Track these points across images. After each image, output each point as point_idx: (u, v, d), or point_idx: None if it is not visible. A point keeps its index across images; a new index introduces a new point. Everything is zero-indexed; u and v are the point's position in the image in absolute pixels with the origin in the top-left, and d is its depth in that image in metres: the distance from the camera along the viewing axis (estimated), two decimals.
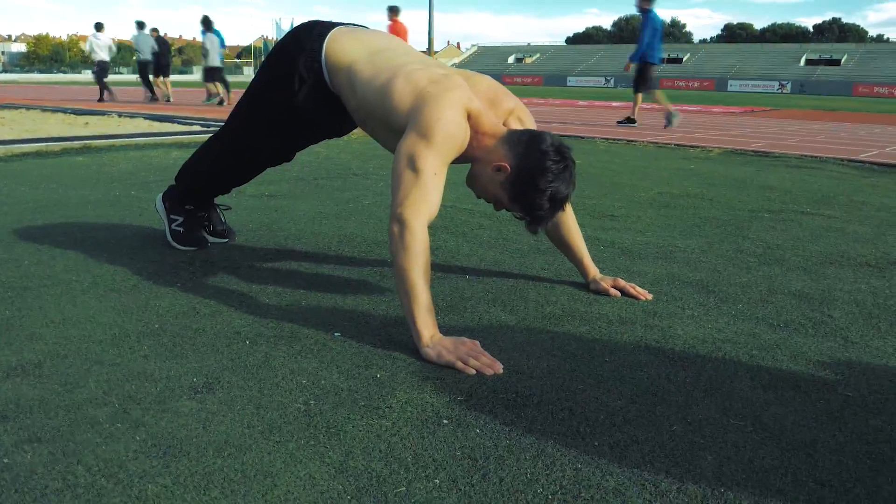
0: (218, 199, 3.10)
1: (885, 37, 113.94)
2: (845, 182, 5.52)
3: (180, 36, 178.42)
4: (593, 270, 2.55)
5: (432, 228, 3.09)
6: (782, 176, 5.76)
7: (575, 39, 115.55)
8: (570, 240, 2.55)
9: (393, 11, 13.18)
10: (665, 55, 72.42)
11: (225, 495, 1.25)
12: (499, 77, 68.03)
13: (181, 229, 2.90)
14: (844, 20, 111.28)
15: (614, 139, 8.63)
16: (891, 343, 2.09)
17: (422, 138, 2.02)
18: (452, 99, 2.07)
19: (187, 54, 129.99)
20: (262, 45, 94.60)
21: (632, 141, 8.44)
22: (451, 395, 1.67)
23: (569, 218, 2.53)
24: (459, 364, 1.82)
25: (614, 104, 20.39)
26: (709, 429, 1.55)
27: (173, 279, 2.48)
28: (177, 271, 2.58)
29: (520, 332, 2.10)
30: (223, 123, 2.77)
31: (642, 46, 10.21)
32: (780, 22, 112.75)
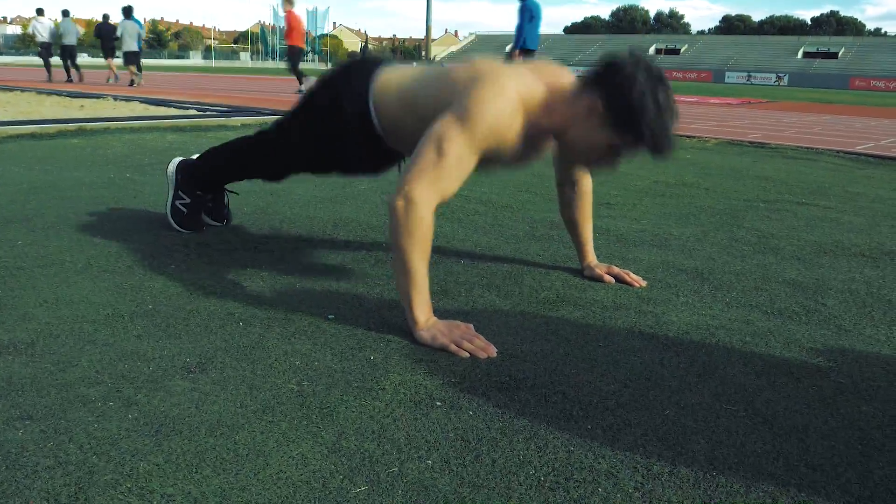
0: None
1: (883, 30, 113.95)
2: (840, 173, 5.52)
3: (177, 21, 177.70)
4: (591, 256, 2.56)
5: None
6: (778, 166, 5.76)
7: (573, 29, 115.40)
8: (580, 220, 2.54)
9: (288, 2, 13.81)
10: (663, 46, 72.49)
11: (217, 474, 1.25)
12: None
13: (185, 210, 2.87)
14: (842, 13, 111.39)
15: None
16: (883, 331, 2.10)
17: (458, 120, 1.92)
18: (506, 86, 1.95)
19: (184, 39, 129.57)
20: (259, 31, 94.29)
21: None
22: (444, 378, 1.67)
23: (589, 202, 2.54)
24: (453, 347, 1.81)
25: None
26: (701, 413, 1.55)
27: (168, 261, 2.48)
28: (171, 253, 2.57)
29: (514, 317, 2.10)
30: (264, 130, 2.71)
31: (520, 35, 10.71)
32: (778, 14, 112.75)
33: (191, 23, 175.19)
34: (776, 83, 54.68)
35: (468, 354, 1.80)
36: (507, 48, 11.22)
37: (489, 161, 2.05)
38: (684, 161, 5.84)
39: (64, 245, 2.60)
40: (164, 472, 1.24)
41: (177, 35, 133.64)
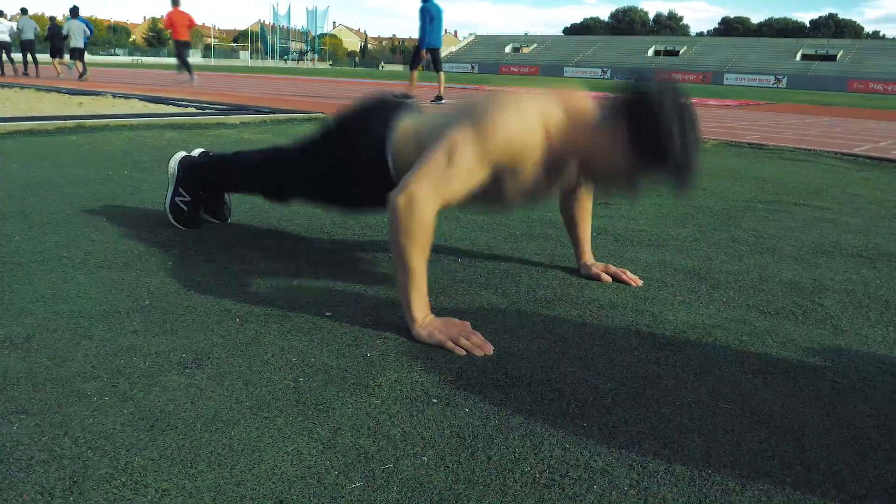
0: None
1: (882, 33, 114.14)
2: (838, 175, 5.52)
3: None
4: (588, 255, 2.55)
5: None
6: (776, 168, 5.76)
7: (573, 30, 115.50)
8: (580, 218, 2.53)
9: (173, 2, 15.55)
10: (662, 48, 72.54)
11: (212, 468, 1.25)
12: (496, 67, 68.13)
13: (185, 208, 2.86)
14: (841, 16, 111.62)
15: None
16: (880, 332, 2.10)
17: (473, 129, 1.89)
18: (525, 107, 1.93)
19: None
20: (259, 30, 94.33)
21: None
22: (440, 375, 1.67)
23: (589, 203, 2.53)
24: (450, 344, 1.81)
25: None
26: (697, 412, 1.55)
27: (165, 257, 2.48)
28: (168, 250, 2.57)
29: (511, 315, 2.10)
30: (279, 149, 2.66)
31: (423, 35, 11.74)
32: (776, 16, 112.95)
33: (202, 24, 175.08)
34: (774, 85, 54.73)
35: (465, 352, 1.80)
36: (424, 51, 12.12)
37: (506, 187, 2.01)
38: None
39: (61, 241, 2.60)
40: (159, 467, 1.24)
41: None
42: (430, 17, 11.62)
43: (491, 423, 1.47)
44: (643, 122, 1.82)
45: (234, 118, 7.75)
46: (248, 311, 2.02)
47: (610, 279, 2.46)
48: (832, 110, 17.46)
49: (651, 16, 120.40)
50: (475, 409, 1.52)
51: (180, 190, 2.86)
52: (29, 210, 3.05)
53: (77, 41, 17.59)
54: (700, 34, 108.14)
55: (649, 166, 1.86)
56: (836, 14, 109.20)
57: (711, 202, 4.06)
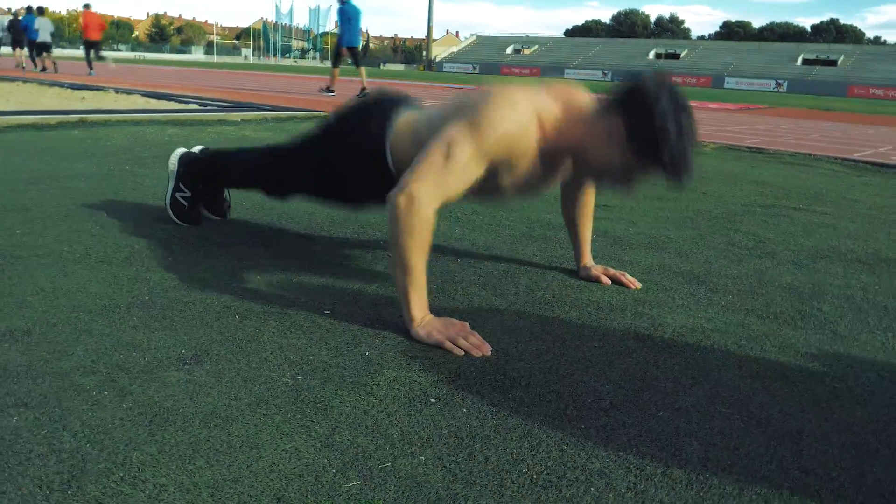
0: None
1: (883, 39, 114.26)
2: (838, 180, 5.53)
3: (179, 15, 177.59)
4: (588, 258, 2.56)
5: None
6: (775, 172, 5.76)
7: (574, 32, 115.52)
8: (581, 220, 2.54)
9: (86, 7, 18.11)
10: (663, 51, 72.56)
11: (210, 465, 1.25)
12: (497, 68, 68.16)
13: (185, 204, 2.87)
14: (842, 21, 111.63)
15: None
16: (879, 337, 2.10)
17: (469, 125, 1.90)
18: (519, 100, 1.94)
19: (186, 34, 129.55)
20: (261, 27, 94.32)
21: None
22: (438, 375, 1.67)
23: (591, 203, 2.54)
24: (448, 344, 1.82)
25: None
26: (695, 415, 1.55)
27: (165, 253, 2.48)
28: (169, 245, 2.57)
29: (509, 316, 2.10)
30: (278, 146, 2.69)
31: (343, 34, 12.59)
32: (778, 21, 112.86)
33: (193, 18, 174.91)
34: (775, 89, 54.76)
35: (463, 352, 1.80)
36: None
37: (503, 180, 2.03)
38: None
39: (62, 235, 2.60)
40: (158, 462, 1.24)
41: (179, 30, 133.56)
42: (347, 17, 12.39)
43: (489, 423, 1.47)
44: (639, 117, 1.83)
45: (236, 115, 7.75)
46: (248, 307, 2.02)
47: (609, 281, 2.46)
48: (832, 115, 17.46)
49: (652, 19, 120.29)
50: (473, 409, 1.52)
51: (181, 185, 2.86)
52: (30, 204, 3.05)
53: (45, 37, 18.68)
54: (701, 38, 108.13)
55: (645, 161, 1.87)
56: (838, 19, 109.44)
57: (710, 206, 4.06)
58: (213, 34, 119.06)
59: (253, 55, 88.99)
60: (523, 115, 1.93)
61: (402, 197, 1.86)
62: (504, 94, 1.97)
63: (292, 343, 1.80)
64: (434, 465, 1.30)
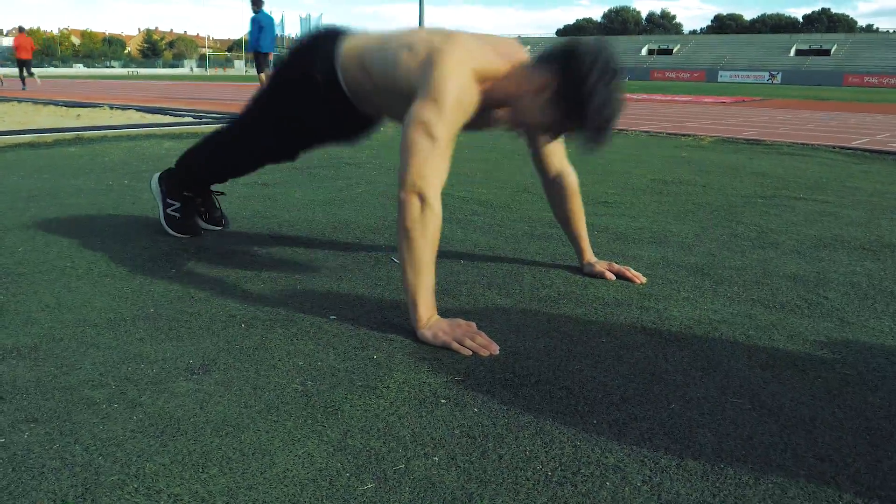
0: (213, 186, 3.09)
1: (875, 26, 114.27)
2: (837, 168, 5.53)
3: (171, 30, 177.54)
4: (589, 254, 2.55)
5: None
6: (774, 163, 5.76)
7: (565, 31, 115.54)
8: (573, 220, 2.54)
9: (17, 29, 20.74)
10: (655, 47, 72.60)
11: (223, 473, 1.24)
12: None
13: (177, 215, 2.89)
14: (834, 10, 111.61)
15: None
16: (887, 323, 2.09)
17: (434, 103, 1.95)
18: (460, 59, 1.99)
19: (178, 48, 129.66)
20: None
21: (624, 130, 8.44)
22: (448, 376, 1.67)
23: (576, 197, 2.54)
24: (455, 345, 1.81)
25: None
26: (707, 407, 1.55)
27: (168, 265, 2.47)
28: (171, 257, 2.57)
29: (516, 315, 2.09)
30: (236, 116, 2.73)
31: (252, 40, 13.12)
32: (769, 13, 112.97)
33: (185, 32, 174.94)
34: (769, 81, 54.78)
35: (471, 352, 1.80)
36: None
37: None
38: (680, 159, 5.84)
39: (64, 251, 2.60)
40: (171, 472, 1.24)
41: (171, 44, 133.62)
42: (260, 25, 12.87)
43: (500, 422, 1.46)
44: (570, 80, 1.90)
45: None
46: (253, 315, 2.02)
47: (613, 277, 2.46)
48: (828, 104, 17.48)
49: (644, 15, 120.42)
50: (484, 408, 1.52)
51: (168, 201, 2.89)
52: (31, 221, 3.05)
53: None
54: (693, 32, 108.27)
55: (569, 118, 1.95)
56: (829, 9, 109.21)
57: (711, 198, 4.06)
58: (205, 47, 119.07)
59: (246, 66, 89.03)
60: (470, 77, 2.00)
61: (412, 198, 1.88)
62: (449, 57, 2.00)
63: (299, 349, 1.80)
64: (448, 465, 1.30)
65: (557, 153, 2.47)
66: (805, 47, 65.48)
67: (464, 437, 1.40)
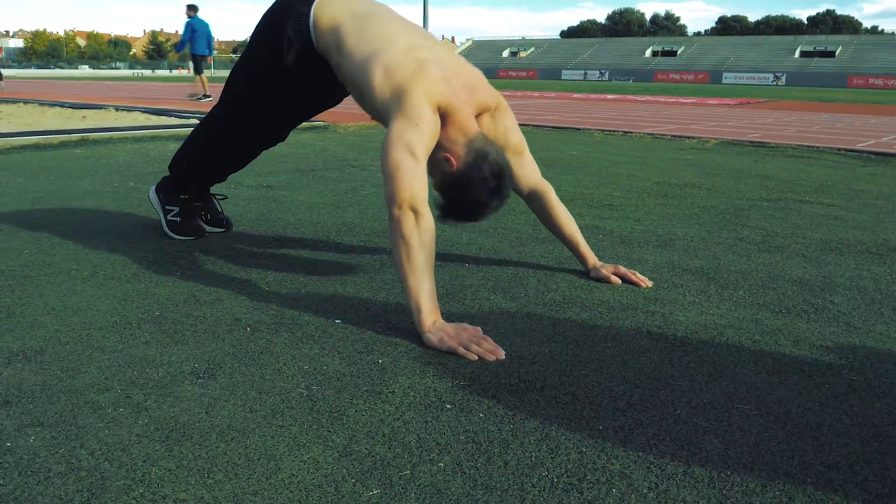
0: (214, 189, 3.09)
1: (880, 28, 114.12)
2: (843, 171, 5.51)
3: (176, 32, 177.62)
4: (592, 258, 2.55)
5: None
6: (779, 165, 5.75)
7: (569, 33, 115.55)
8: (562, 229, 2.54)
9: None
10: (660, 48, 72.53)
11: (229, 478, 1.24)
12: (494, 71, 68.14)
13: (178, 219, 2.89)
14: (839, 12, 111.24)
15: (611, 130, 8.62)
16: (894, 328, 2.09)
17: (416, 128, 2.03)
18: (429, 92, 2.08)
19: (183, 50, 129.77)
20: None
21: (628, 132, 8.43)
22: (453, 381, 1.66)
23: (557, 207, 2.54)
24: (461, 350, 1.81)
25: (609, 97, 20.41)
26: (713, 413, 1.54)
27: (173, 268, 2.47)
28: (176, 260, 2.57)
29: (521, 319, 2.09)
30: (212, 109, 2.75)
31: (182, 42, 14.06)
32: (774, 14, 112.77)
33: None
34: (774, 83, 54.72)
35: (476, 357, 1.80)
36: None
37: None
38: (685, 161, 5.84)
39: (70, 254, 2.60)
40: (177, 478, 1.24)
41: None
42: (193, 29, 13.77)
43: (506, 427, 1.46)
44: (464, 181, 2.13)
45: None
46: (258, 319, 2.02)
47: (619, 281, 2.45)
48: (833, 106, 17.45)
49: (648, 17, 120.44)
50: (489, 413, 1.52)
51: (167, 207, 2.92)
52: (37, 224, 3.05)
53: None
54: (697, 34, 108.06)
55: (444, 193, 2.20)
56: (834, 10, 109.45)
57: (716, 201, 4.05)
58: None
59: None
60: (432, 109, 2.08)
61: (405, 213, 1.95)
62: (416, 89, 2.07)
63: (305, 353, 1.79)
64: (453, 471, 1.30)
65: (526, 169, 2.50)
66: (810, 49, 65.36)
67: (469, 443, 1.39)
